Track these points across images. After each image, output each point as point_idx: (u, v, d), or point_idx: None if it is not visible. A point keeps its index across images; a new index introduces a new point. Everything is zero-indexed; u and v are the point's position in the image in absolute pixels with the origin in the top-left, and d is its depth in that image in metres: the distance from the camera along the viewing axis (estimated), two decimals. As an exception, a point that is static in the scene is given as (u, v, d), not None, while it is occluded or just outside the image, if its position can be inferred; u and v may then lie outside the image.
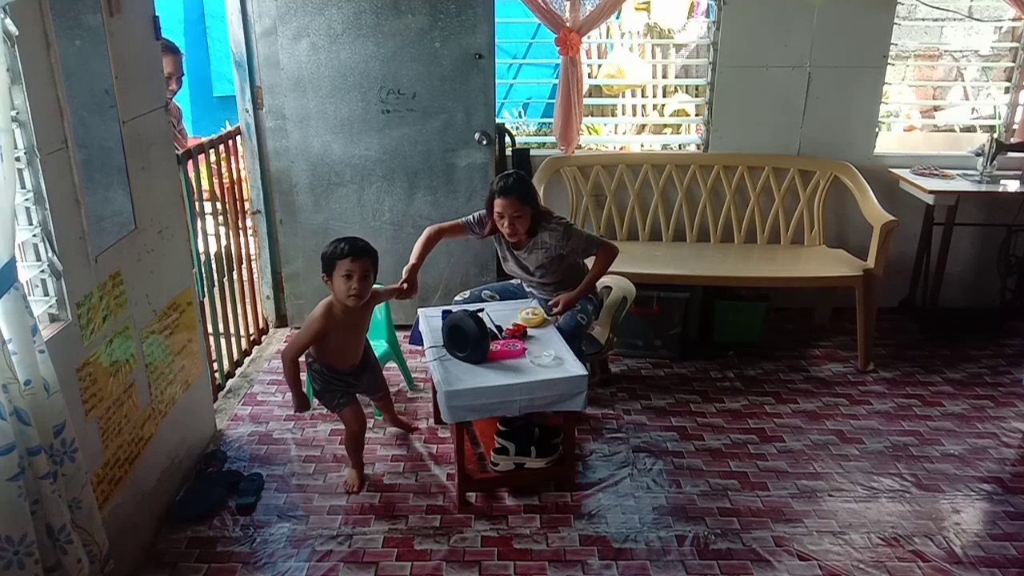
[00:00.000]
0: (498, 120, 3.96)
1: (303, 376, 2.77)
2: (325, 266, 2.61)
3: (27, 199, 1.92)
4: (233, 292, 3.67)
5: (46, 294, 2.03)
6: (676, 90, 5.87)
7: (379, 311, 3.43)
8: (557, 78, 4.10)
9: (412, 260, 3.01)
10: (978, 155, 3.95)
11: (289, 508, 2.70)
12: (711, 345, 3.93)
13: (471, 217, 3.12)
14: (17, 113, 1.83)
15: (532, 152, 4.15)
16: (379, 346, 3.38)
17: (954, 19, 5.29)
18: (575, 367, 2.67)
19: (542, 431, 2.84)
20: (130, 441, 2.37)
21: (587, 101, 4.29)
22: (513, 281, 3.44)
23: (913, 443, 3.12)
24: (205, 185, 3.57)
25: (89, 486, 1.96)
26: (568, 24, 3.90)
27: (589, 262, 3.19)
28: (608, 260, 3.12)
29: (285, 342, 3.99)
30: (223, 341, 3.52)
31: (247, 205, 3.96)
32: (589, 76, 5.40)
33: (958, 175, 3.98)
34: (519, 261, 3.16)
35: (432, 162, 3.87)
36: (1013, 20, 4.54)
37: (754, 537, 2.56)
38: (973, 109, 5.42)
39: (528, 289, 3.32)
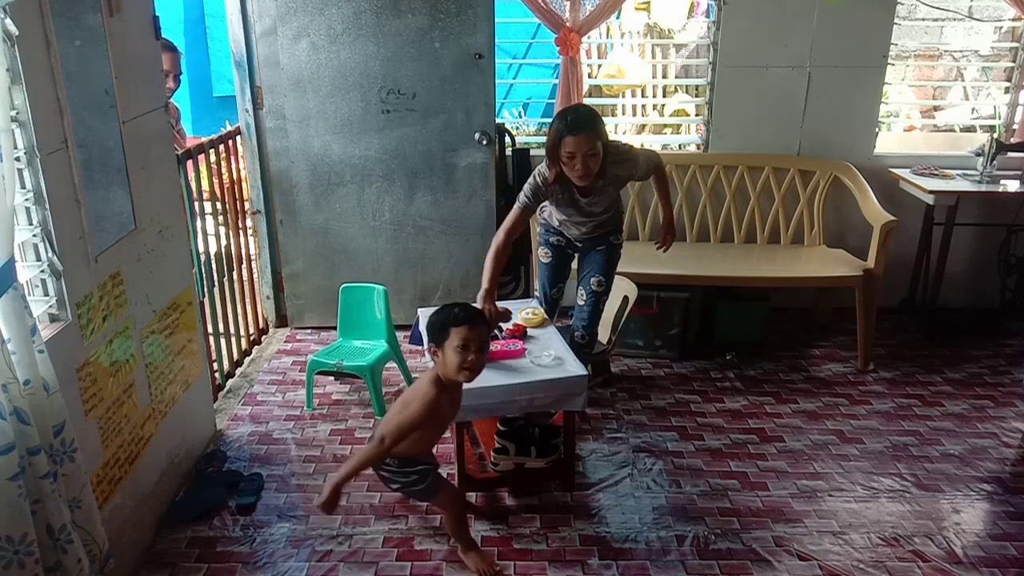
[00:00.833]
0: (498, 120, 3.96)
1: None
2: (435, 335, 2.19)
3: (27, 199, 1.92)
4: (233, 292, 3.67)
5: (46, 294, 2.03)
6: (676, 90, 5.87)
7: (379, 311, 3.43)
8: (557, 78, 4.10)
9: (485, 285, 2.67)
10: (978, 155, 3.95)
11: (289, 508, 2.70)
12: (711, 345, 3.93)
13: (525, 195, 2.81)
14: (17, 113, 1.83)
15: (532, 152, 4.15)
16: (379, 346, 3.39)
17: (954, 19, 5.29)
18: (575, 367, 2.67)
19: (542, 431, 2.84)
20: (130, 441, 2.37)
21: (587, 101, 4.29)
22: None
23: (913, 443, 3.12)
24: (205, 185, 3.57)
25: (89, 486, 1.96)
26: (568, 24, 3.90)
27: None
28: (664, 173, 3.08)
29: (286, 342, 4.00)
30: (223, 341, 3.52)
31: (247, 205, 3.96)
32: (589, 76, 5.40)
33: (958, 175, 3.98)
34: (583, 209, 2.92)
35: (432, 162, 3.87)
36: (1013, 20, 4.54)
37: (754, 537, 2.56)
38: (973, 109, 5.42)
39: (576, 233, 3.05)
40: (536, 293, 3.27)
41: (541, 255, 3.18)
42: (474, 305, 2.35)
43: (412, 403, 2.18)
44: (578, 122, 2.61)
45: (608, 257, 3.07)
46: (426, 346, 2.22)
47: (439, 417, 2.23)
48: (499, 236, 2.79)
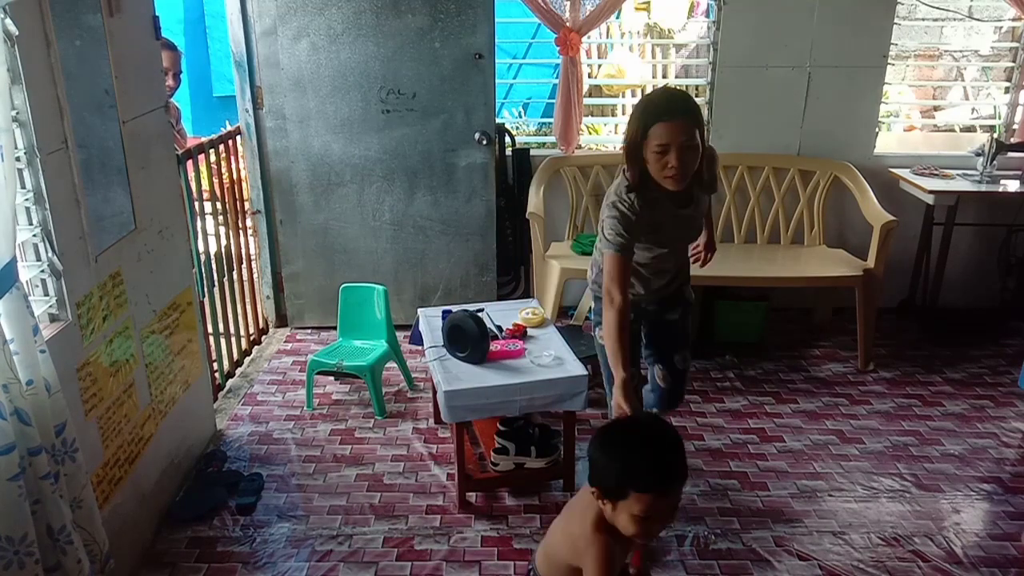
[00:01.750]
0: (498, 120, 3.96)
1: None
2: (607, 484, 1.57)
3: (27, 199, 1.92)
4: (233, 292, 3.67)
5: (46, 294, 2.03)
6: (676, 90, 5.85)
7: (379, 311, 3.43)
8: (557, 78, 4.10)
9: (621, 373, 2.04)
10: (978, 155, 3.95)
11: (289, 508, 2.70)
12: (711, 345, 3.93)
13: (615, 231, 2.15)
14: (17, 113, 1.83)
15: (532, 152, 4.15)
16: (379, 346, 3.39)
17: (954, 19, 5.29)
18: (575, 367, 2.67)
19: (542, 431, 2.84)
20: (130, 441, 2.37)
21: (587, 101, 4.29)
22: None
23: (913, 443, 3.12)
24: (205, 185, 3.57)
25: (90, 486, 1.96)
26: (568, 24, 3.90)
27: None
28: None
29: (286, 342, 4.00)
30: (223, 341, 3.51)
31: (247, 205, 3.96)
32: (589, 76, 5.40)
33: (958, 175, 3.97)
34: (682, 222, 2.31)
35: (432, 162, 3.87)
36: (1013, 20, 4.54)
37: (754, 537, 2.56)
38: (973, 109, 5.42)
39: (657, 286, 2.42)
40: (605, 381, 2.47)
41: (601, 336, 2.33)
42: (677, 458, 1.57)
43: (584, 555, 1.63)
44: (673, 105, 2.05)
45: (687, 320, 2.54)
46: (587, 484, 1.64)
47: (615, 564, 1.66)
48: (615, 299, 2.12)
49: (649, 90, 5.64)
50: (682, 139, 2.03)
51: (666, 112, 2.04)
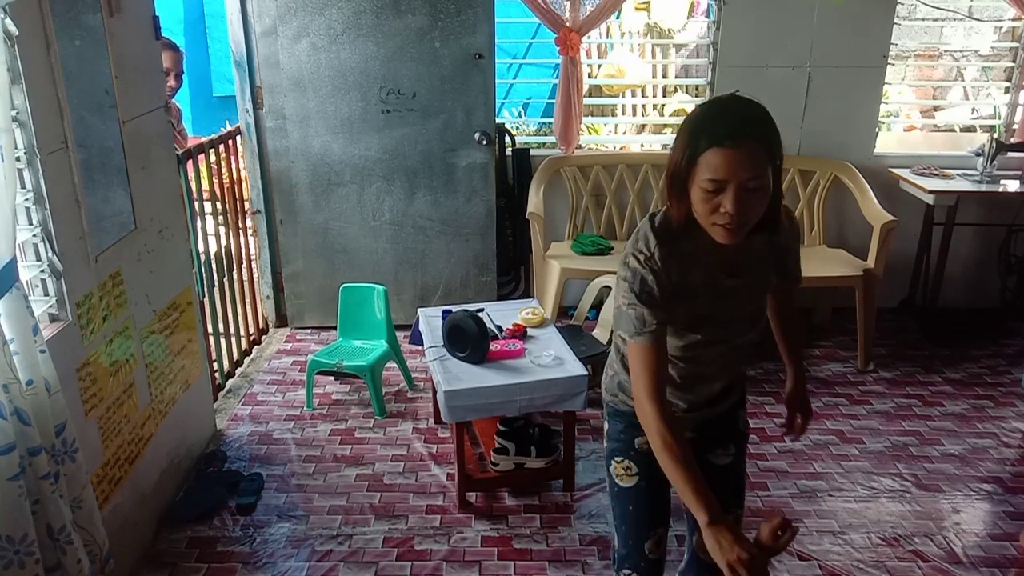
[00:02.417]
0: (498, 120, 3.96)
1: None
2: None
3: (27, 199, 1.92)
4: (233, 292, 3.67)
5: (46, 294, 2.03)
6: (676, 90, 5.86)
7: (379, 311, 3.43)
8: (557, 78, 4.10)
9: (704, 515, 1.38)
10: (978, 155, 3.95)
11: (289, 508, 2.70)
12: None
13: (639, 307, 1.46)
14: (17, 113, 1.83)
15: (532, 152, 4.15)
16: (379, 346, 3.39)
17: (954, 19, 5.29)
18: (575, 367, 2.67)
19: (542, 431, 2.84)
20: (130, 441, 2.37)
21: (587, 101, 4.29)
22: None
23: (913, 443, 3.12)
24: (205, 185, 3.57)
25: (90, 486, 1.96)
26: (568, 24, 3.90)
27: None
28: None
29: (286, 342, 4.00)
30: (223, 341, 3.51)
31: (247, 205, 3.96)
32: (589, 76, 5.40)
33: (958, 175, 3.97)
34: (728, 297, 1.55)
35: (432, 162, 3.87)
36: (1013, 20, 4.54)
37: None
38: (973, 109, 5.42)
39: (695, 399, 1.68)
40: (616, 549, 1.79)
41: (620, 473, 1.74)
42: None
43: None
44: (737, 124, 1.38)
45: (742, 465, 1.81)
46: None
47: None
48: (648, 415, 1.46)
49: (649, 90, 5.70)
50: (745, 175, 1.36)
51: (727, 134, 1.36)
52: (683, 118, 1.50)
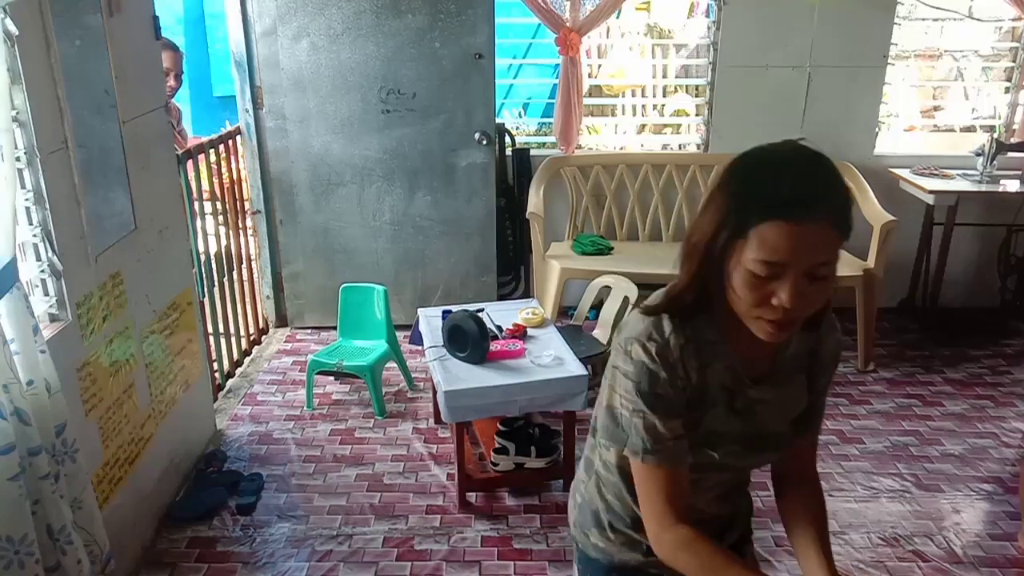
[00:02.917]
0: (498, 120, 3.96)
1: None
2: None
3: (27, 199, 1.92)
4: (233, 292, 3.67)
5: (46, 294, 2.03)
6: (676, 90, 5.86)
7: (379, 311, 3.43)
8: (557, 78, 4.09)
9: None
10: (978, 155, 3.95)
11: (289, 508, 2.70)
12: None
13: (640, 410, 1.14)
14: (17, 113, 1.83)
15: (532, 152, 4.15)
16: (379, 346, 3.39)
17: (954, 19, 5.29)
18: (575, 367, 2.67)
19: (542, 431, 2.84)
20: (130, 441, 2.37)
21: (587, 101, 4.29)
22: None
23: (913, 443, 3.12)
24: (205, 185, 3.57)
25: (90, 486, 1.96)
26: (568, 24, 3.90)
27: None
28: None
29: (286, 342, 4.00)
30: (223, 341, 3.51)
31: (247, 205, 3.96)
32: (589, 76, 5.40)
33: (958, 175, 3.97)
34: (751, 411, 1.21)
35: (432, 162, 3.87)
36: (1013, 20, 4.54)
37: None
38: (973, 109, 5.42)
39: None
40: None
41: None
42: None
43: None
44: (808, 190, 1.03)
45: None
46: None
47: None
48: (676, 543, 1.16)
49: (649, 90, 5.70)
50: (812, 259, 1.03)
51: (793, 202, 1.01)
52: (727, 168, 1.10)
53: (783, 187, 1.02)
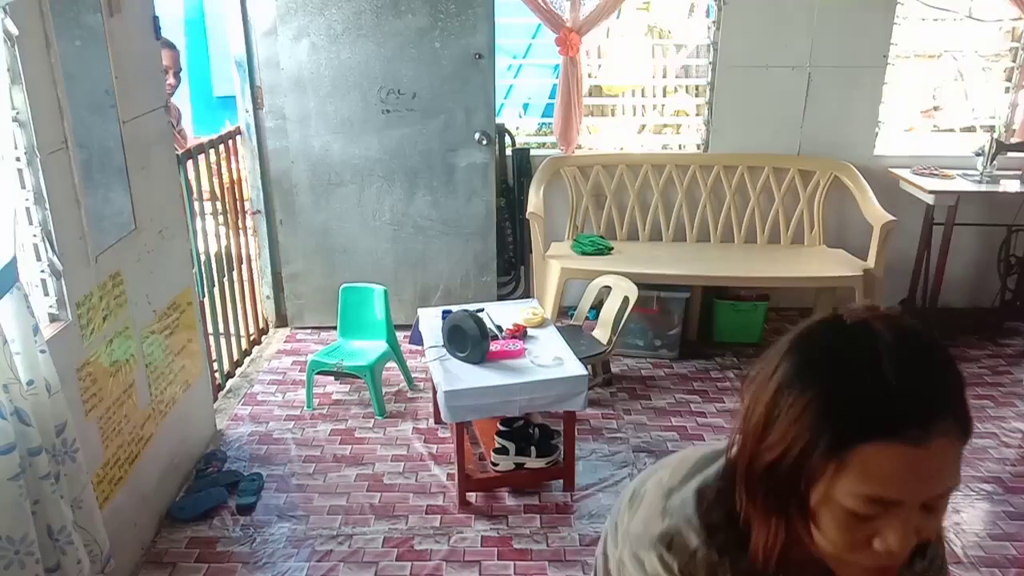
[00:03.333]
0: (498, 120, 3.96)
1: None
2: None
3: (27, 199, 1.92)
4: (233, 292, 3.67)
5: (46, 294, 2.03)
6: (676, 90, 5.86)
7: (379, 311, 3.43)
8: (557, 78, 4.09)
9: None
10: (978, 155, 3.95)
11: (289, 508, 2.70)
12: (711, 345, 3.93)
13: None
14: (17, 113, 1.83)
15: (532, 152, 4.16)
16: (379, 346, 3.39)
17: (954, 19, 5.28)
18: (575, 367, 2.67)
19: (542, 431, 2.84)
20: (130, 441, 2.37)
21: (587, 101, 4.29)
22: None
23: (913, 443, 3.12)
24: (205, 185, 3.56)
25: (90, 486, 1.96)
26: (568, 24, 3.90)
27: None
28: None
29: (286, 342, 4.00)
30: (223, 341, 3.51)
31: (247, 205, 3.96)
32: (589, 76, 5.39)
33: (958, 175, 3.97)
34: None
35: (432, 162, 3.87)
36: (1013, 20, 4.54)
37: None
38: (973, 109, 5.41)
39: None
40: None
41: None
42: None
43: None
44: (929, 397, 0.76)
45: None
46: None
47: None
48: None
49: (649, 90, 5.70)
50: (933, 490, 0.79)
51: (912, 411, 0.76)
52: (783, 346, 0.83)
53: (894, 393, 0.73)
